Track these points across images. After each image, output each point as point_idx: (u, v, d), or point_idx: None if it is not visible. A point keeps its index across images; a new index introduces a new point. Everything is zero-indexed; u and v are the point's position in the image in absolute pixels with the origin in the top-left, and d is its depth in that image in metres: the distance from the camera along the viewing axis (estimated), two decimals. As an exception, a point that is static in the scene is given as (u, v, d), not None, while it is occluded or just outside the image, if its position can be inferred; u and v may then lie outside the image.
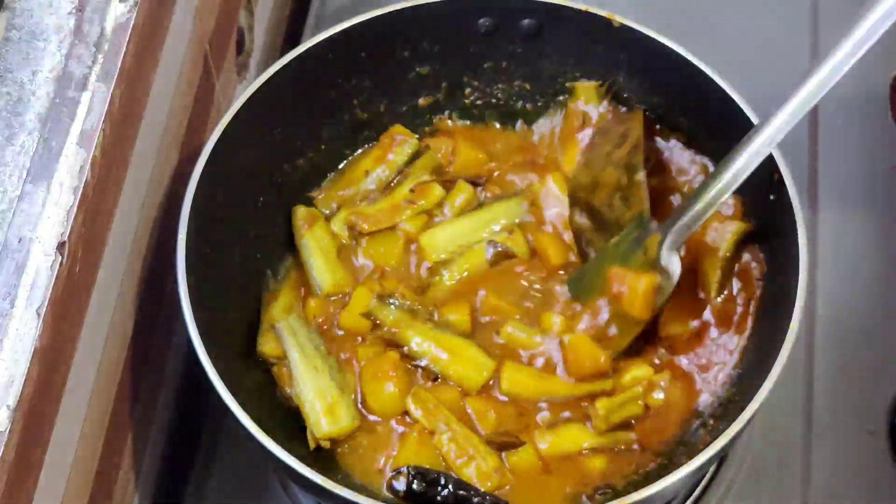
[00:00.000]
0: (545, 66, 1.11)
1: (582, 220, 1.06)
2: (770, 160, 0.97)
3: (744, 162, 0.94)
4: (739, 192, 1.04)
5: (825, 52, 0.91)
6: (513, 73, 1.12)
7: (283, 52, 1.07)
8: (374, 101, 1.11)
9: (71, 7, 0.91)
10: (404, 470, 0.92)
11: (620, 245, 1.02)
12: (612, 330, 1.00)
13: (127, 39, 0.90)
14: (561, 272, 1.06)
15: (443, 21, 1.07)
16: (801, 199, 0.96)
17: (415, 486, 0.91)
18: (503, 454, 0.97)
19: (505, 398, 1.00)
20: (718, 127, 1.04)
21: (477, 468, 0.96)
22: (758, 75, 1.07)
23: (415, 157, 1.10)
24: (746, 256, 1.02)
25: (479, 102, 1.13)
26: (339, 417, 0.97)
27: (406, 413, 0.99)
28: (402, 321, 1.01)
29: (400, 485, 0.92)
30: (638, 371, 0.99)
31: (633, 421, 0.98)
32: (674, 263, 0.97)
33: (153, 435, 1.06)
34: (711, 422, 0.97)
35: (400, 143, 1.10)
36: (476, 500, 0.91)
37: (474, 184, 1.10)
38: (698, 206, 0.96)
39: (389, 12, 1.05)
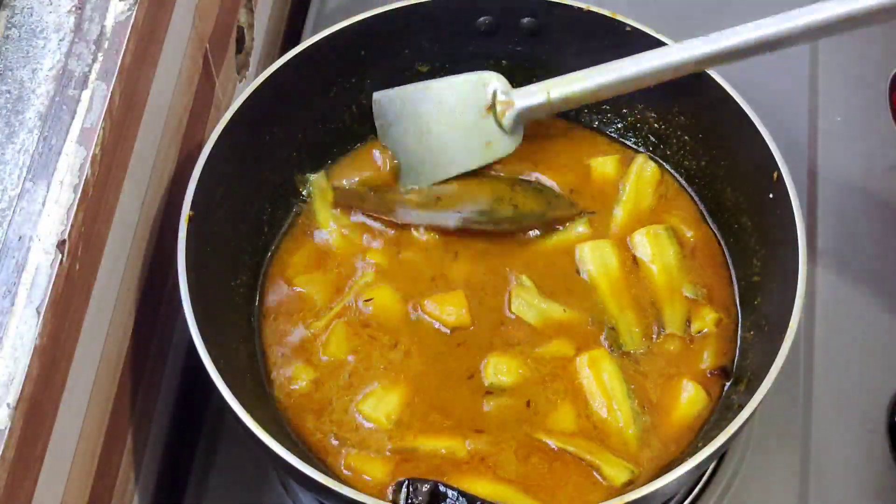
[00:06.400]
0: (545, 65, 1.11)
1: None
2: (770, 159, 0.97)
3: (643, 72, 0.91)
4: (737, 189, 1.04)
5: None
6: (512, 72, 1.11)
7: (283, 51, 1.07)
8: (375, 100, 1.11)
9: (71, 5, 0.91)
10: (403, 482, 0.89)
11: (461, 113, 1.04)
12: None
13: (127, 37, 0.90)
14: None
15: (443, 19, 1.07)
16: (801, 198, 0.96)
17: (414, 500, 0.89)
18: None
19: None
20: (718, 127, 1.04)
21: None
22: (758, 75, 1.06)
23: None
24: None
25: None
26: None
27: None
28: None
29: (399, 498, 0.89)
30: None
31: None
32: (518, 131, 1.05)
33: (153, 435, 1.05)
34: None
35: None
36: None
37: None
38: (572, 90, 0.94)
39: (389, 10, 1.06)
